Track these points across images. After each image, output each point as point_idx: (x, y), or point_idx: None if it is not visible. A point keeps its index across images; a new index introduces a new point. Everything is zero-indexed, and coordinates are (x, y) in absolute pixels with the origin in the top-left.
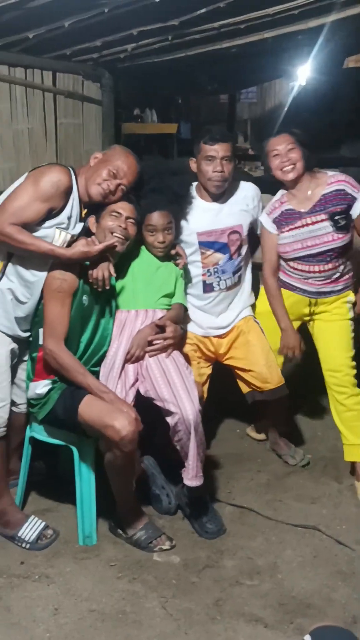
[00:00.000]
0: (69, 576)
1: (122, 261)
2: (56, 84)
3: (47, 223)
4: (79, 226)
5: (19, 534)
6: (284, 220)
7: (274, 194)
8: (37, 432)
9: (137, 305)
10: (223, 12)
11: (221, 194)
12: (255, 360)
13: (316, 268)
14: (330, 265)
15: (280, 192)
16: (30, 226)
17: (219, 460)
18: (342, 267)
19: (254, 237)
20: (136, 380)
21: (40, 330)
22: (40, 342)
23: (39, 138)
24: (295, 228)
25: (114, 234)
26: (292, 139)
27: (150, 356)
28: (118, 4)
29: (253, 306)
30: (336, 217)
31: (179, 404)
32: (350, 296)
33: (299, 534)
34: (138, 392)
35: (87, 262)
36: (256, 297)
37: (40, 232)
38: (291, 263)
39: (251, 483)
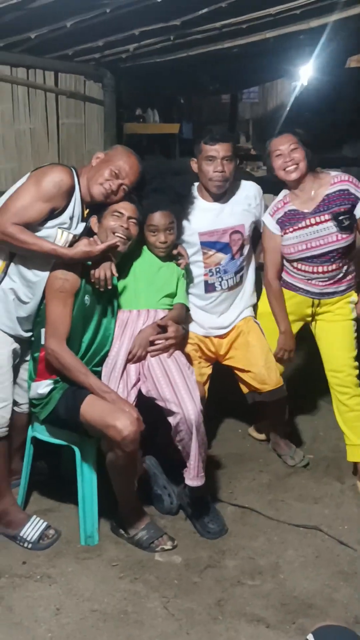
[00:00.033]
0: (71, 576)
1: (124, 261)
2: (58, 84)
3: (49, 223)
4: (81, 226)
5: (21, 534)
6: (288, 221)
7: (276, 194)
8: (39, 432)
9: (139, 305)
10: (225, 12)
11: (222, 194)
12: (254, 361)
13: (320, 269)
14: (334, 266)
15: (283, 193)
16: (33, 226)
17: (221, 460)
18: (345, 267)
19: (258, 236)
20: (138, 380)
21: (42, 330)
22: (42, 342)
23: (41, 138)
24: (299, 229)
25: (116, 234)
26: (295, 138)
27: (152, 356)
28: (120, 4)
29: (255, 306)
30: (340, 218)
31: (180, 404)
32: (354, 296)
33: (300, 534)
34: (140, 392)
35: (89, 262)
36: (258, 298)
37: (42, 232)
38: (295, 264)
39: (253, 483)
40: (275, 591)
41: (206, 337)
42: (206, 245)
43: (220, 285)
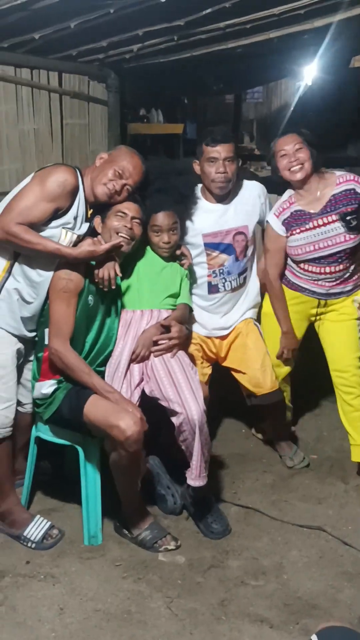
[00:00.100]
0: (74, 576)
1: (128, 261)
2: (62, 84)
3: (53, 223)
4: (85, 226)
5: (25, 534)
6: (294, 221)
7: (280, 194)
8: (43, 432)
9: (143, 305)
10: (229, 12)
11: (226, 195)
12: (249, 364)
13: (327, 269)
14: (341, 266)
15: (288, 193)
16: (37, 226)
17: (225, 461)
18: (352, 267)
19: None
20: (141, 380)
21: (46, 330)
22: (46, 342)
23: (45, 138)
24: (307, 230)
25: (120, 234)
26: (300, 138)
27: (156, 356)
28: (124, 4)
29: (260, 306)
30: (347, 218)
31: (184, 404)
32: (358, 295)
33: (304, 534)
34: (143, 392)
35: (93, 262)
36: (263, 297)
37: (46, 232)
38: (301, 265)
39: (256, 483)
40: (279, 591)
41: (208, 337)
42: (210, 246)
43: (224, 286)
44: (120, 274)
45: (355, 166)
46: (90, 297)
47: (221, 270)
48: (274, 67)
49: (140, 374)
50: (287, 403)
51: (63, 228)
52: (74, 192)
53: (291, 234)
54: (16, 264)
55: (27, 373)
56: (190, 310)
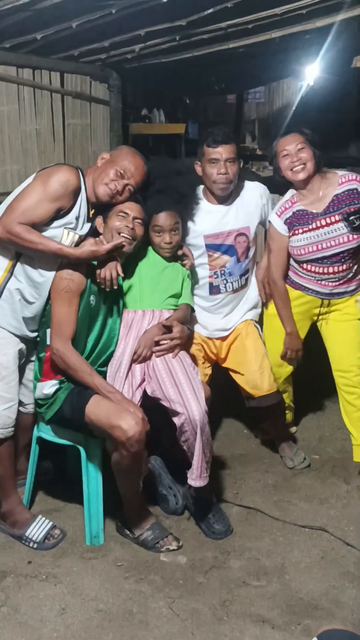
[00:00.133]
0: (76, 576)
1: (129, 262)
2: (64, 84)
3: (55, 223)
4: (87, 226)
5: (27, 534)
6: (296, 221)
7: (282, 194)
8: (45, 432)
9: (144, 305)
10: (230, 12)
11: (227, 196)
12: (248, 366)
13: (331, 269)
14: (344, 266)
15: (290, 192)
16: (39, 226)
17: (226, 461)
18: (355, 267)
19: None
20: (143, 380)
21: (48, 331)
22: (48, 342)
23: (47, 139)
24: (309, 230)
25: (122, 234)
26: (302, 138)
27: (157, 356)
28: (126, 4)
29: (263, 305)
30: (351, 218)
31: (185, 404)
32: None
33: (306, 535)
34: (145, 392)
35: (95, 262)
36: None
37: (48, 232)
38: (304, 265)
39: (258, 484)
40: (281, 592)
41: (209, 338)
42: (211, 247)
43: (225, 287)
44: (122, 274)
45: (357, 166)
46: (92, 298)
47: (222, 272)
48: (276, 67)
49: (142, 374)
50: (289, 403)
51: (65, 228)
52: (76, 192)
53: (294, 234)
54: (18, 264)
55: (29, 373)
56: (192, 310)
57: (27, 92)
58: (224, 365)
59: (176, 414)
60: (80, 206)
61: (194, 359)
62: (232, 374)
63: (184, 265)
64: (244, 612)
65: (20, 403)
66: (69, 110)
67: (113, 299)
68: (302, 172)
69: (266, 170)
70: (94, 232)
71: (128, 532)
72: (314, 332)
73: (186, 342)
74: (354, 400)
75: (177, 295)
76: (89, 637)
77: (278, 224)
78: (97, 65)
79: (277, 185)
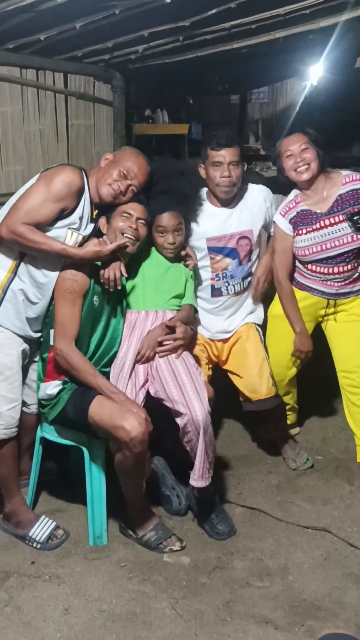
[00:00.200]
0: (79, 576)
1: (132, 262)
2: (67, 85)
3: (59, 223)
4: (90, 227)
5: (30, 534)
6: (300, 221)
7: (286, 194)
8: (48, 432)
9: (147, 306)
10: (234, 13)
11: (231, 199)
12: (247, 369)
13: (336, 269)
14: (349, 266)
15: (294, 192)
16: (42, 226)
17: (229, 462)
18: None
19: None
20: (146, 381)
21: (51, 331)
22: (51, 342)
23: (51, 139)
24: (313, 230)
25: (125, 235)
26: (306, 138)
27: (161, 357)
28: (129, 5)
29: (263, 311)
30: (355, 218)
31: (188, 405)
32: None
33: (309, 535)
34: (148, 392)
35: (98, 263)
36: (271, 301)
37: (51, 233)
38: (309, 265)
39: (262, 484)
40: (284, 593)
41: (212, 340)
42: (213, 250)
43: (227, 290)
44: (125, 275)
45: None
46: (95, 298)
47: (224, 274)
48: (280, 67)
49: (145, 375)
50: (293, 404)
51: (68, 229)
52: (79, 193)
53: (298, 234)
54: (22, 265)
55: (32, 374)
56: (195, 311)
57: (31, 92)
58: (224, 367)
59: (179, 414)
60: (84, 206)
61: (197, 359)
62: (231, 376)
63: (187, 266)
64: (247, 613)
65: (24, 403)
66: (73, 111)
67: (116, 300)
68: (306, 172)
69: (270, 170)
70: (97, 233)
71: (131, 533)
72: (317, 334)
73: (189, 343)
74: (358, 400)
75: (180, 296)
76: (92, 637)
77: (283, 224)
78: (100, 65)
79: (281, 185)
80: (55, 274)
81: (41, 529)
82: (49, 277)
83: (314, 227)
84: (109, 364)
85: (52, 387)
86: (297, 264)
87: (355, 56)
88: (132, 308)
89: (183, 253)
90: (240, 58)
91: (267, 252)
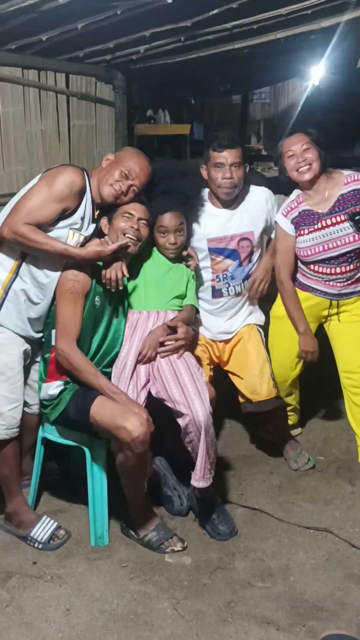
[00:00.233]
0: (81, 577)
1: (134, 263)
2: (69, 85)
3: (61, 224)
4: (92, 227)
5: (32, 534)
6: (302, 221)
7: (287, 194)
8: (50, 432)
9: (149, 306)
10: (235, 13)
11: (232, 201)
12: (248, 370)
13: (338, 270)
14: (352, 266)
15: (296, 192)
16: (44, 226)
17: (231, 462)
18: None
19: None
20: (148, 381)
21: (53, 332)
22: (53, 343)
23: (52, 140)
24: (315, 230)
25: (126, 235)
26: (307, 138)
27: (162, 357)
28: (130, 5)
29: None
30: (356, 217)
31: (189, 405)
32: None
33: (311, 536)
34: (150, 393)
35: (100, 263)
36: (274, 301)
37: (53, 233)
38: (311, 266)
39: (263, 485)
40: (286, 593)
41: (213, 341)
42: (214, 251)
43: (227, 291)
44: (127, 275)
45: None
46: (97, 298)
47: (225, 275)
48: (281, 67)
49: (147, 375)
50: (295, 405)
51: (70, 229)
52: (81, 193)
53: (300, 234)
54: (23, 265)
55: (34, 374)
56: (197, 311)
57: (33, 93)
58: (226, 368)
59: (180, 415)
60: (85, 207)
61: (198, 360)
62: (231, 377)
63: (188, 266)
64: (249, 614)
65: (25, 404)
66: (74, 111)
67: (118, 300)
68: (308, 172)
69: (271, 170)
70: (98, 233)
71: (133, 533)
72: (319, 334)
73: (191, 343)
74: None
75: (182, 296)
76: (94, 637)
77: (285, 224)
78: (102, 66)
79: (283, 185)
80: (57, 274)
81: (43, 529)
82: (50, 278)
83: (316, 227)
84: (110, 364)
85: (53, 388)
86: (300, 264)
87: (357, 56)
88: (133, 308)
89: (185, 253)
90: (241, 58)
91: (267, 254)
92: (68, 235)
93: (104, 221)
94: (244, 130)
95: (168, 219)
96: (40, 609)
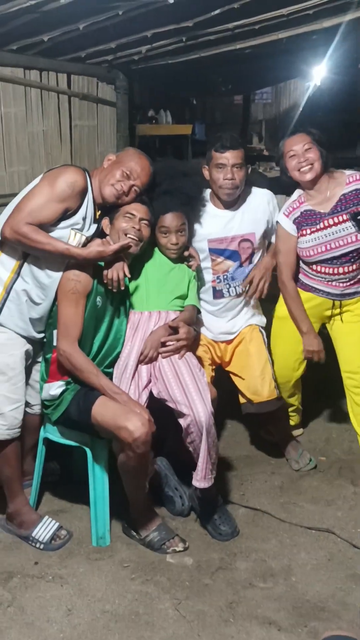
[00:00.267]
0: (82, 577)
1: (136, 263)
2: (71, 86)
3: (62, 224)
4: (93, 227)
5: (33, 535)
6: (304, 221)
7: (289, 195)
8: (51, 433)
9: (150, 306)
10: (237, 13)
11: (234, 201)
12: (250, 371)
13: (341, 270)
14: (354, 266)
15: (297, 193)
16: (46, 227)
17: (232, 462)
18: None
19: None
20: (149, 381)
21: (55, 332)
22: (54, 343)
23: (54, 140)
24: (317, 230)
25: (128, 235)
26: (309, 138)
27: (164, 357)
28: (132, 6)
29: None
30: (359, 217)
31: (191, 405)
32: None
33: (313, 536)
34: (151, 393)
35: (102, 263)
36: (276, 302)
37: (55, 233)
38: (314, 266)
39: (265, 485)
40: (287, 594)
41: (215, 341)
42: (215, 252)
43: (228, 292)
44: (129, 275)
45: None
46: (98, 299)
47: (225, 276)
48: (283, 67)
49: (148, 376)
50: (298, 406)
51: (72, 229)
52: (83, 193)
53: (302, 235)
54: (25, 265)
55: (36, 374)
56: (198, 311)
57: (34, 93)
58: (227, 368)
59: (182, 415)
60: (87, 207)
61: (200, 360)
62: (233, 377)
63: (190, 266)
64: (250, 614)
65: (27, 404)
66: (76, 112)
67: (119, 300)
68: (310, 172)
69: (273, 170)
70: (100, 234)
71: (134, 533)
72: (321, 335)
73: (192, 344)
74: None
75: (184, 297)
76: (95, 638)
77: (286, 224)
78: (103, 66)
79: (284, 185)
80: (59, 275)
81: (44, 529)
82: (52, 278)
83: (318, 227)
84: (112, 364)
85: (55, 388)
86: (302, 265)
87: (359, 56)
88: (135, 309)
89: (186, 254)
90: (243, 58)
91: (267, 254)
92: (70, 236)
93: (105, 221)
94: (246, 130)
95: (169, 219)
96: (41, 609)
